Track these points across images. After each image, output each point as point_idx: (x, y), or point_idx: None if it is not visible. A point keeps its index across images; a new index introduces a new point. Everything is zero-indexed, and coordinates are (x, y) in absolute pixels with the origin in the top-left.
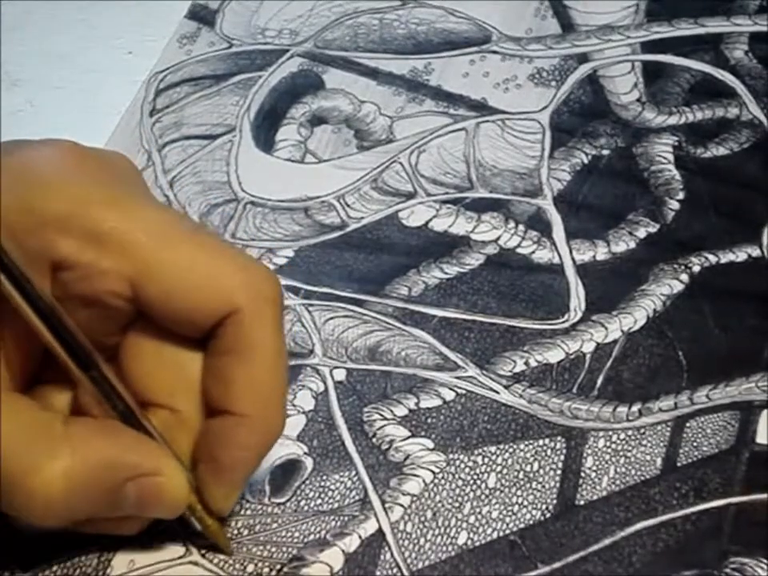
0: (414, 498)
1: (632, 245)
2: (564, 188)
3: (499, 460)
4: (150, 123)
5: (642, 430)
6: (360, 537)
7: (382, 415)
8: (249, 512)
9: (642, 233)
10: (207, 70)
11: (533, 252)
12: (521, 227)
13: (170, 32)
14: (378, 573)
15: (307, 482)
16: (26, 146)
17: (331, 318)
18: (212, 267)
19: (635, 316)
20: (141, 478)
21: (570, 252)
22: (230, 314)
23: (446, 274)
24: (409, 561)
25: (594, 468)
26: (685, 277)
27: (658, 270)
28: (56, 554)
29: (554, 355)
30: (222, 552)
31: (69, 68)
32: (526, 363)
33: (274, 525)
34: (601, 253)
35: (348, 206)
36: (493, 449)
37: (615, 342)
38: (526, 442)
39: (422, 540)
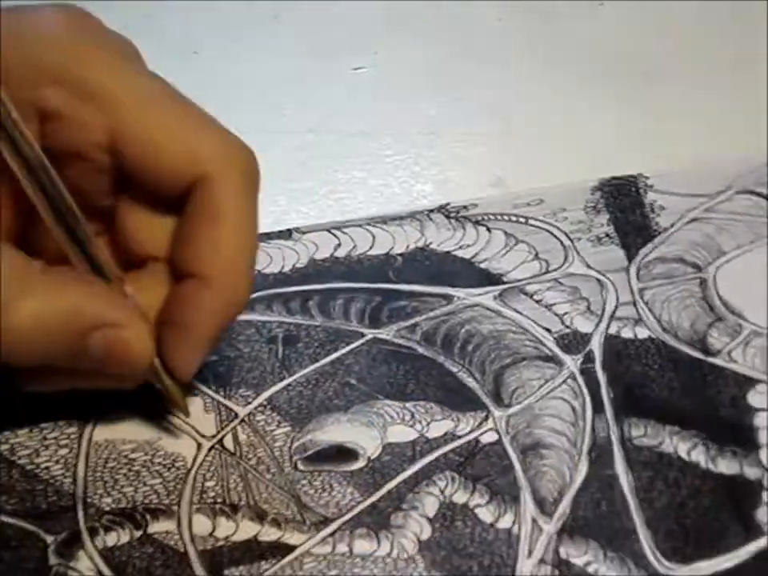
0: (347, 553)
1: None
2: None
3: None
4: None
5: None
6: (279, 538)
7: (444, 487)
8: (277, 453)
9: None
10: None
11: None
12: None
13: None
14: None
15: (332, 474)
16: (29, 6)
17: (560, 399)
18: (186, 132)
19: None
20: (107, 329)
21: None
22: (201, 180)
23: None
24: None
25: None
26: None
27: None
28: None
29: None
30: (179, 410)
31: None
32: (587, 564)
33: (268, 476)
34: None
35: (746, 345)
36: None
37: None
38: None
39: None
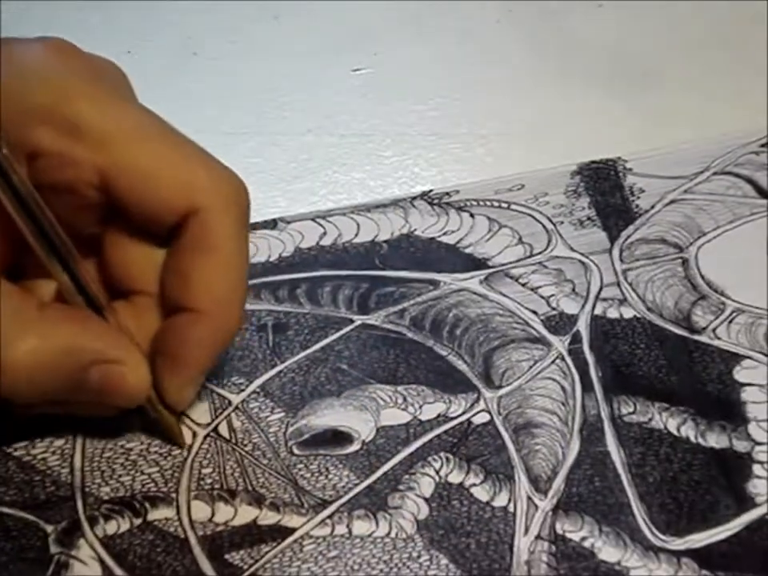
0: (346, 535)
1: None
2: None
3: (432, 573)
4: (748, 150)
5: None
6: (278, 522)
7: (439, 467)
8: (272, 438)
9: None
10: None
11: (759, 478)
12: None
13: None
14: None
15: (328, 458)
16: (15, 41)
17: (550, 379)
18: (177, 165)
19: None
20: (104, 365)
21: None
22: (193, 213)
23: (676, 431)
24: (267, 565)
25: None
26: None
27: None
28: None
29: (608, 553)
30: (176, 443)
31: None
32: (583, 539)
33: (264, 461)
34: None
35: (730, 322)
36: (443, 562)
37: None
38: None
39: (298, 564)
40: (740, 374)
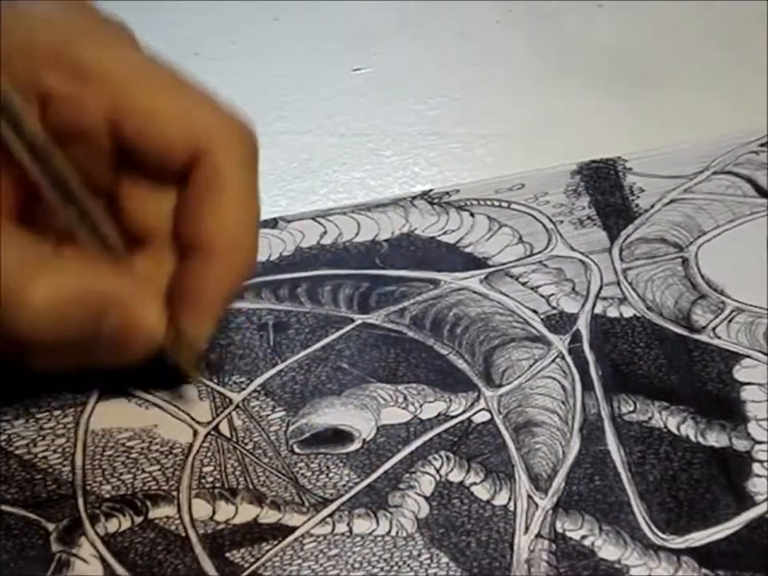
0: (346, 533)
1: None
2: None
3: (432, 572)
4: (748, 150)
5: None
6: (279, 520)
7: (439, 466)
8: (273, 437)
9: None
10: None
11: (758, 477)
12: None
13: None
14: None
15: (329, 456)
16: None
17: (550, 378)
18: (186, 107)
19: None
20: (121, 305)
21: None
22: (201, 153)
23: (676, 430)
24: (268, 563)
25: None
26: None
27: None
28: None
29: (608, 552)
30: (192, 377)
31: None
32: (583, 537)
33: (265, 459)
34: None
35: (729, 321)
36: (444, 560)
37: None
38: None
39: (298, 561)
40: (740, 373)
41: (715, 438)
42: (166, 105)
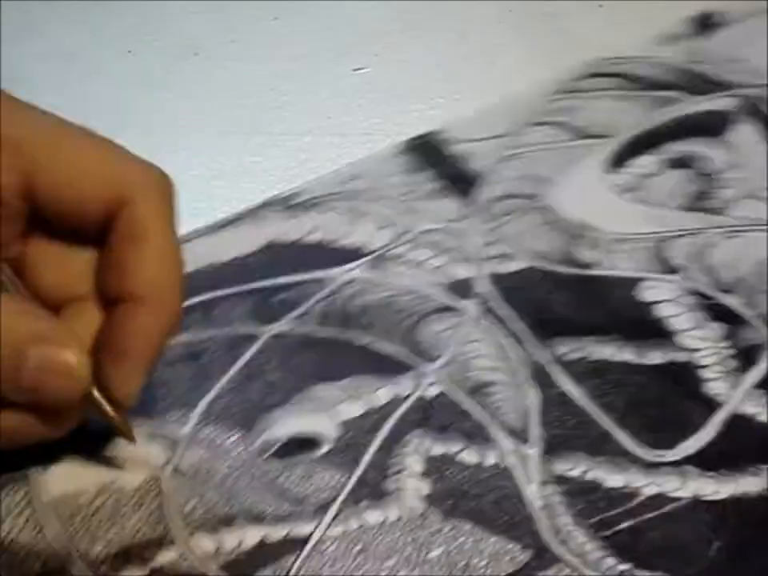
0: (362, 527)
1: None
2: None
3: (461, 539)
4: (548, 99)
5: None
6: (288, 533)
7: (418, 444)
8: (240, 460)
9: None
10: (647, 74)
11: (711, 380)
12: (728, 352)
13: None
14: (265, 571)
15: (307, 463)
16: None
17: (478, 340)
18: (100, 160)
19: (722, 488)
20: (44, 346)
21: (742, 399)
22: (120, 206)
23: (617, 357)
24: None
25: None
26: None
27: None
28: None
29: (614, 480)
30: (125, 438)
31: (69, 67)
32: (583, 473)
33: (244, 482)
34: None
35: (613, 252)
36: (467, 527)
37: (678, 500)
38: (499, 538)
39: (329, 565)
40: (645, 294)
41: (655, 356)
42: (81, 160)
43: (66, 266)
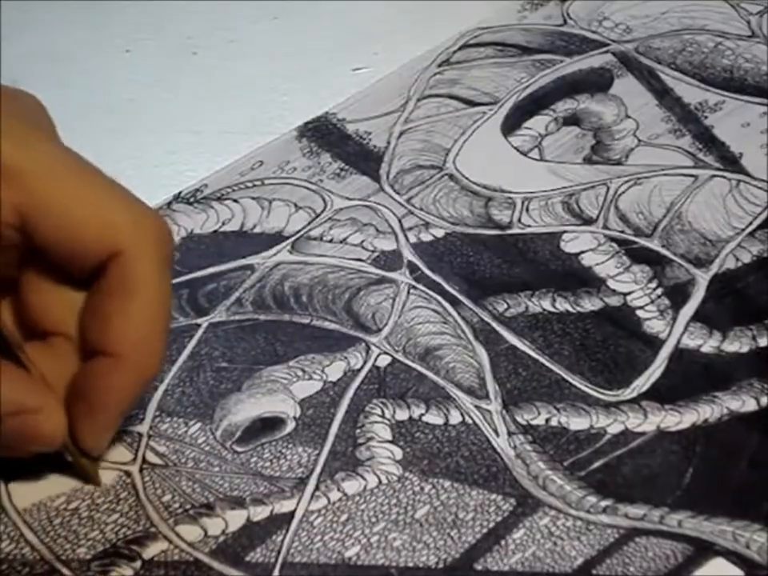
0: (344, 498)
1: (745, 349)
2: (734, 269)
3: (444, 497)
4: (431, 73)
5: (591, 527)
6: (272, 512)
7: (381, 412)
8: (207, 447)
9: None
10: (522, 40)
11: (648, 320)
12: (658, 291)
13: None
14: (256, 551)
15: (273, 443)
16: None
17: (418, 307)
18: (98, 205)
19: (683, 418)
20: (20, 415)
21: (682, 334)
22: (114, 255)
23: (554, 308)
24: (292, 550)
25: (518, 541)
26: (765, 401)
27: (746, 385)
28: None
29: (578, 423)
30: (91, 483)
31: (69, 67)
32: (547, 420)
33: (215, 468)
34: (709, 345)
35: (527, 210)
36: (447, 484)
37: (643, 434)
38: (480, 491)
39: (318, 537)
40: (567, 247)
41: (589, 303)
42: (79, 204)
43: (55, 302)
